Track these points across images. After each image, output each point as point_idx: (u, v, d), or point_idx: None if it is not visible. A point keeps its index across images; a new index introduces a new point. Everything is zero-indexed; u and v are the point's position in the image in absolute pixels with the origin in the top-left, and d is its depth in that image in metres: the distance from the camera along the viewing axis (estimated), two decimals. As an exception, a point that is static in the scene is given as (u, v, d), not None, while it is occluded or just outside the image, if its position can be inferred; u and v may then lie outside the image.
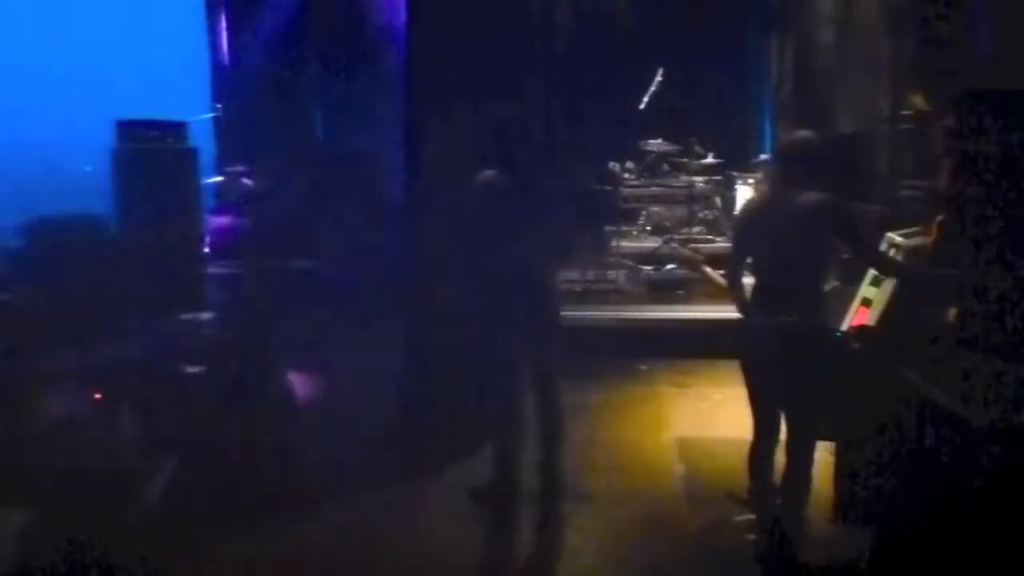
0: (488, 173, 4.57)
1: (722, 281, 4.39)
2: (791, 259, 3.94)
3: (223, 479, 4.55)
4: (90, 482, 4.35)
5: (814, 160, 3.97)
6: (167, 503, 4.48)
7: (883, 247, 5.20)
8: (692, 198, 9.48)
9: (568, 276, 7.82)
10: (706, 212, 9.78)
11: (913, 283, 4.62)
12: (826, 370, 3.98)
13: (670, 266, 9.00)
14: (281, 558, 4.26)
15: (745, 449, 4.23)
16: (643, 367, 7.08)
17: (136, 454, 4.74)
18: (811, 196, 3.87)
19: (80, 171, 9.01)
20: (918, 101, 6.72)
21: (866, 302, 5.11)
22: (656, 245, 9.32)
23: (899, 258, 5.04)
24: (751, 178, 9.57)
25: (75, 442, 4.75)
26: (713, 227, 9.70)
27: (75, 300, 6.98)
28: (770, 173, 4.43)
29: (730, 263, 4.37)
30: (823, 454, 4.33)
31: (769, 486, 4.17)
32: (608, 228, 9.21)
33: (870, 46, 8.06)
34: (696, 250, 9.02)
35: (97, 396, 5.41)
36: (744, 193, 9.53)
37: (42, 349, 6.04)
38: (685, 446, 5.52)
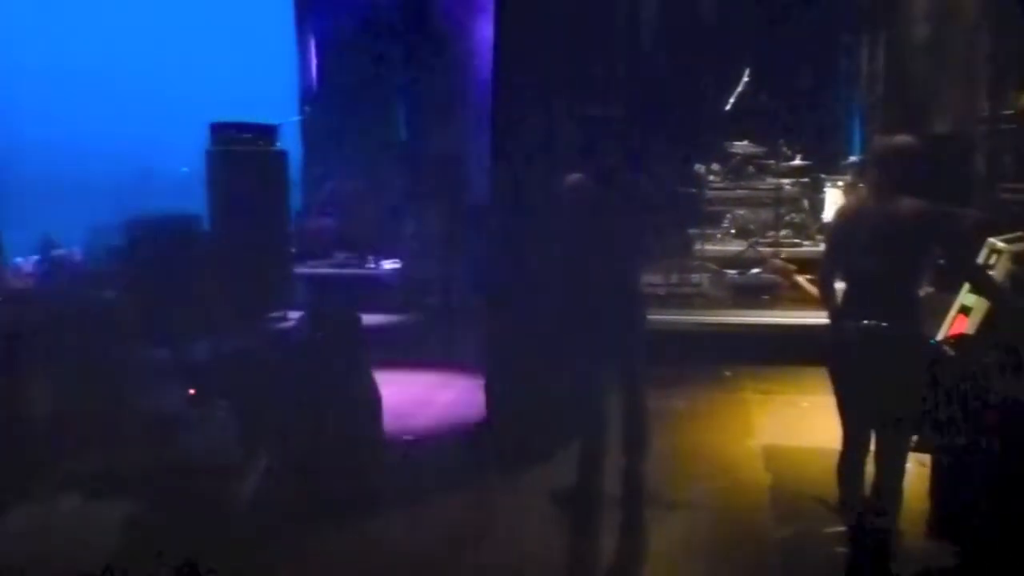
0: (575, 176, 4.59)
1: (814, 289, 4.30)
2: (886, 265, 3.85)
3: (311, 477, 4.66)
4: (187, 477, 4.51)
5: (912, 164, 3.87)
6: (259, 499, 4.61)
7: (984, 252, 5.04)
8: (779, 201, 9.32)
9: (651, 280, 7.77)
10: (793, 215, 9.60)
11: (1005, 307, 4.44)
12: (920, 379, 3.87)
13: (755, 270, 8.87)
14: (362, 556, 4.32)
15: (834, 459, 4.14)
16: (727, 373, 7.00)
17: (229, 450, 4.89)
18: (910, 203, 3.78)
19: (177, 172, 9.32)
20: (1022, 100, 6.48)
21: (965, 310, 4.96)
22: (741, 248, 9.19)
23: (1002, 263, 4.88)
24: (840, 180, 9.37)
25: (171, 438, 4.92)
26: (800, 230, 9.51)
27: (169, 298, 7.24)
28: (865, 177, 4.33)
29: (823, 268, 4.29)
30: (916, 466, 4.22)
31: (859, 497, 4.07)
32: (692, 231, 9.12)
33: (969, 43, 7.81)
34: (777, 254, 8.86)
35: (191, 392, 5.60)
36: (833, 196, 9.34)
37: (140, 345, 6.29)
38: (772, 454, 5.43)
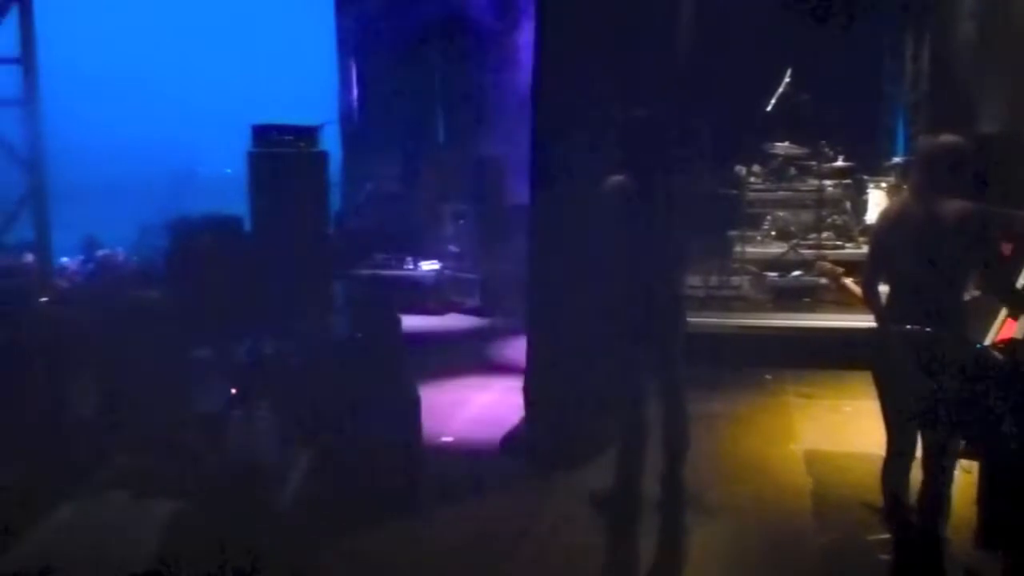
0: (617, 178, 4.57)
1: (860, 291, 4.25)
2: (932, 268, 3.79)
3: (351, 478, 4.69)
4: (229, 477, 4.56)
5: (960, 165, 3.81)
6: (299, 500, 4.66)
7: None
8: (821, 203, 9.20)
9: (691, 282, 7.72)
10: (835, 217, 9.48)
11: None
12: (967, 384, 3.80)
13: (796, 272, 8.77)
14: (401, 557, 4.35)
15: (878, 465, 4.09)
16: (768, 376, 6.94)
17: (270, 450, 4.94)
18: (956, 204, 3.72)
19: (221, 173, 9.44)
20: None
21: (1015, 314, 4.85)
22: (782, 251, 9.10)
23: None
24: (883, 182, 9.23)
25: (215, 437, 4.99)
26: (842, 232, 9.39)
27: (211, 298, 7.33)
28: (910, 178, 4.25)
29: (867, 271, 4.23)
30: (962, 473, 4.15)
31: (904, 505, 4.01)
32: (732, 233, 9.04)
33: (1017, 40, 7.66)
34: (821, 256, 8.74)
35: (233, 391, 5.67)
36: (876, 197, 9.21)
37: (183, 345, 6.38)
38: (813, 459, 5.37)
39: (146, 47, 10.52)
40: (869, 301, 4.11)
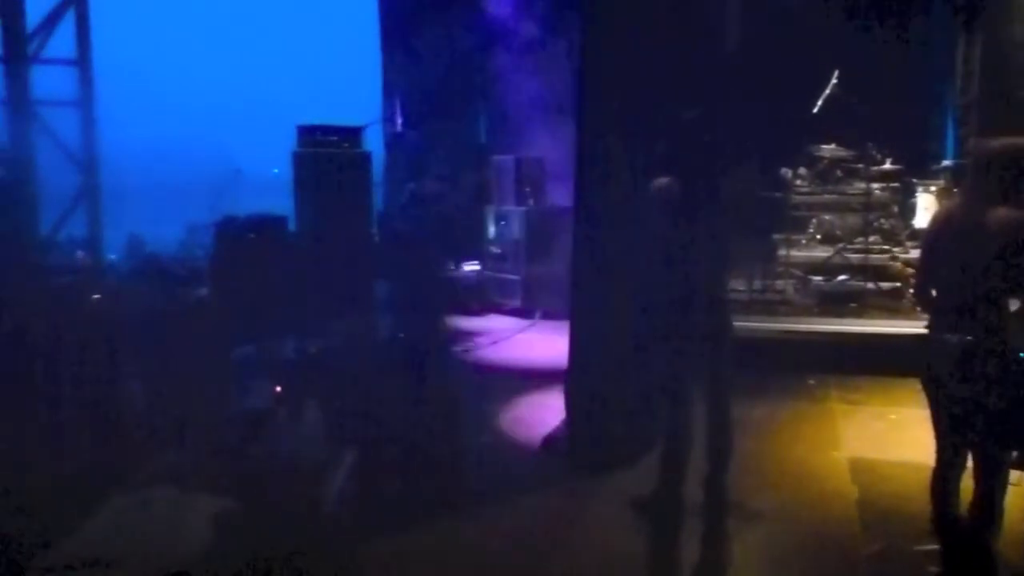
0: (663, 179, 4.55)
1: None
2: (985, 276, 3.71)
3: (395, 475, 4.72)
4: (275, 474, 4.62)
5: (1016, 169, 3.71)
6: (342, 498, 4.70)
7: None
8: (868, 206, 9.06)
9: (734, 285, 7.66)
10: (882, 221, 9.33)
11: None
12: (1015, 395, 3.71)
13: (842, 277, 8.65)
14: (443, 557, 4.37)
15: (925, 474, 4.01)
16: (812, 382, 6.86)
17: (315, 448, 4.99)
18: (1011, 211, 3.63)
19: (268, 173, 9.53)
20: None
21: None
22: (827, 254, 8.98)
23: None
24: (932, 185, 9.07)
25: (260, 434, 5.05)
26: (890, 237, 9.24)
27: (256, 297, 7.43)
28: (962, 182, 4.17)
29: (918, 277, 4.16)
30: (1013, 485, 4.05)
31: (954, 516, 3.93)
32: (776, 236, 8.94)
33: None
34: (867, 260, 8.61)
35: (277, 389, 5.74)
36: (925, 201, 9.06)
37: (228, 343, 6.47)
38: (859, 467, 5.30)
39: (195, 49, 10.69)
40: (922, 308, 4.04)
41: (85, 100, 7.54)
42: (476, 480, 5.07)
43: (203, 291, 7.37)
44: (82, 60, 7.56)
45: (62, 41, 7.52)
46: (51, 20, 7.45)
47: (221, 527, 4.35)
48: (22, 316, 5.74)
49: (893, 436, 5.72)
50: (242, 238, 8.07)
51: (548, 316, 8.94)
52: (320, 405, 5.38)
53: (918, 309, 4.11)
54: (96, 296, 6.76)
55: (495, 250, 10.03)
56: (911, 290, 8.10)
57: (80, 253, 8.09)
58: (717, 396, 4.72)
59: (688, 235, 4.51)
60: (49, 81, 7.60)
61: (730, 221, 4.80)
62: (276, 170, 9.18)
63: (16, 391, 5.32)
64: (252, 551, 3.82)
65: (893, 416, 6.03)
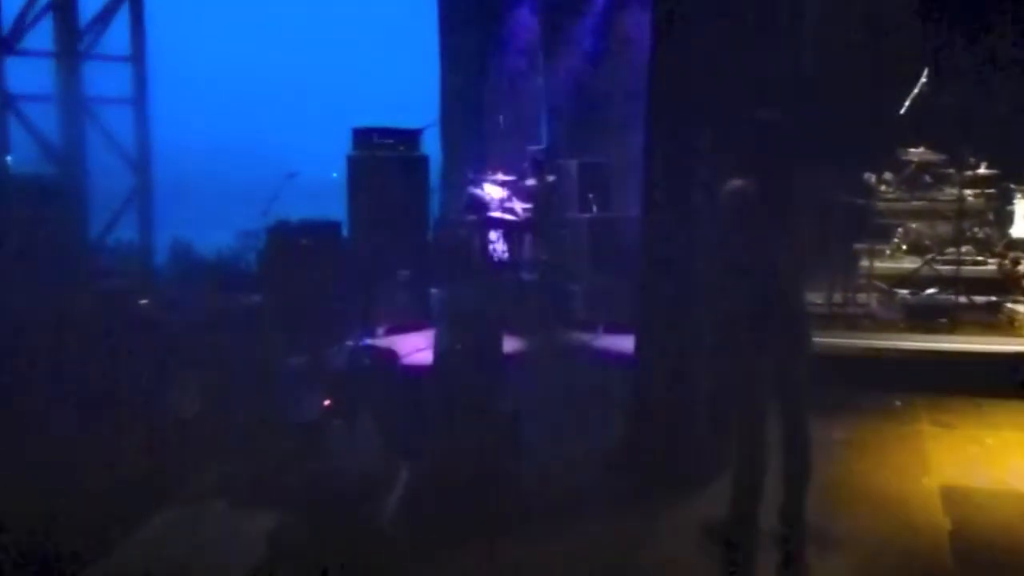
0: (738, 182, 4.49)
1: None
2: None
3: (449, 491, 4.72)
4: (330, 487, 4.65)
5: None
6: (398, 514, 4.71)
7: None
8: (960, 213, 8.82)
9: (813, 298, 7.52)
10: (976, 229, 9.09)
11: None
12: None
13: (931, 290, 8.45)
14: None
15: (1025, 504, 3.89)
16: (898, 403, 6.70)
17: (368, 463, 5.02)
18: None
19: (327, 178, 9.63)
20: None
21: None
22: (915, 266, 8.78)
23: None
24: (1033, 192, 8.83)
25: (314, 447, 5.10)
26: (985, 247, 9.00)
27: (308, 304, 7.52)
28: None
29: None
30: None
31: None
32: (859, 246, 8.77)
33: None
34: (959, 272, 8.37)
35: (327, 403, 5.78)
36: (1023, 209, 8.82)
37: (279, 352, 6.55)
38: (952, 496, 5.14)
39: (249, 47, 10.90)
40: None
41: (139, 98, 7.69)
42: (536, 499, 5.04)
43: (255, 298, 7.48)
44: (136, 57, 7.73)
45: (117, 37, 7.69)
46: (105, 15, 7.61)
47: (273, 543, 4.39)
48: (68, 320, 5.89)
49: (990, 462, 5.58)
50: (294, 244, 8.18)
51: (612, 329, 8.88)
52: (374, 418, 5.41)
53: None
54: (143, 301, 6.91)
55: (556, 259, 9.98)
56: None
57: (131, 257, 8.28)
58: (795, 414, 4.63)
59: (764, 241, 4.43)
60: (103, 78, 7.78)
61: (807, 228, 4.72)
62: (335, 174, 9.25)
63: (60, 399, 5.45)
64: (305, 569, 3.84)
65: (990, 440, 5.88)
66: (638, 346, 5.72)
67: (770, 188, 4.47)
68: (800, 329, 4.68)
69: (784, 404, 4.64)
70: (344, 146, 9.16)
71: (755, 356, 4.54)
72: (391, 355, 6.06)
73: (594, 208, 9.71)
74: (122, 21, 7.59)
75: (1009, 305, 8.11)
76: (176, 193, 9.55)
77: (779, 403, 4.64)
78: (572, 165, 9.94)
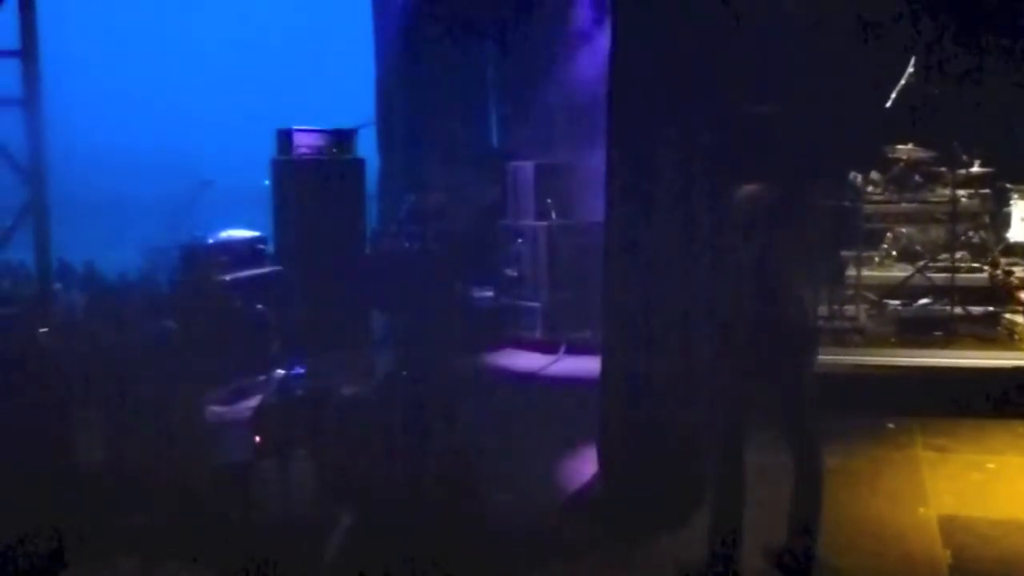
0: (749, 187, 4.59)
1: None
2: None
3: (397, 539, 4.74)
4: (260, 536, 4.63)
5: None
6: (340, 562, 4.72)
7: None
8: (954, 216, 9.06)
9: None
10: (971, 233, 9.34)
11: None
12: None
13: (924, 300, 8.65)
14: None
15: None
16: (890, 425, 6.85)
17: (303, 507, 5.02)
18: None
19: (245, 186, 9.61)
20: None
21: None
22: (906, 274, 8.98)
23: None
24: (1030, 191, 9.09)
25: (241, 491, 5.09)
26: (980, 252, 9.24)
27: (226, 330, 7.49)
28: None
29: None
30: None
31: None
32: (845, 253, 8.95)
33: None
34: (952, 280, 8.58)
35: (257, 439, 5.76)
36: (1021, 210, 9.06)
37: (199, 385, 6.51)
38: (951, 526, 5.26)
39: (158, 43, 10.86)
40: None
41: (30, 99, 7.57)
42: (492, 545, 5.07)
43: (166, 324, 7.43)
44: (27, 52, 7.61)
45: (3, 30, 7.56)
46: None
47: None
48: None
49: (992, 490, 5.71)
50: (211, 261, 8.15)
51: (573, 350, 8.97)
52: (309, 457, 5.41)
53: None
54: (43, 330, 6.83)
55: (511, 273, 10.04)
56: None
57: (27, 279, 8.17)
58: (801, 442, 4.68)
59: (772, 248, 4.53)
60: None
61: (816, 233, 4.82)
62: (267, 182, 9.22)
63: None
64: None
65: (991, 466, 6.02)
66: (604, 369, 5.77)
67: (781, 191, 4.59)
68: (808, 344, 4.78)
69: (790, 429, 4.72)
70: (268, 149, 9.16)
71: (750, 377, 4.62)
72: (327, 384, 6.04)
73: (553, 214, 9.79)
74: (10, 9, 7.47)
75: (1008, 316, 8.32)
76: (74, 206, 9.45)
77: (784, 428, 4.72)
78: (527, 167, 10.00)
